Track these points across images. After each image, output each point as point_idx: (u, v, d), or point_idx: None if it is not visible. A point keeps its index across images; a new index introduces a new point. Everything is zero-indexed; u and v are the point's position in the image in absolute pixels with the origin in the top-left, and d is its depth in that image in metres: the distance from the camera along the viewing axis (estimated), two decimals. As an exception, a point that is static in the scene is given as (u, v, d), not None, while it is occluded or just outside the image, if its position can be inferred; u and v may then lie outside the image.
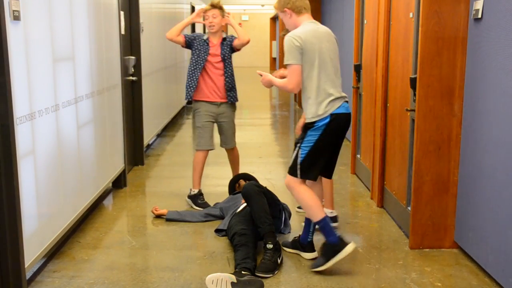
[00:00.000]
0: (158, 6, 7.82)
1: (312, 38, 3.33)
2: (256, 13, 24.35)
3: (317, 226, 3.45)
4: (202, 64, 4.67)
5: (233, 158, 5.04)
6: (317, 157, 3.37)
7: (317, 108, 3.32)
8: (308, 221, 3.59)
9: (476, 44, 3.36)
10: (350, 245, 3.29)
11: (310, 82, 3.34)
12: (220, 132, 4.88)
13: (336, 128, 3.36)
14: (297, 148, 3.41)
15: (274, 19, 23.09)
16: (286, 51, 3.35)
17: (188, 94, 4.75)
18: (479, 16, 3.28)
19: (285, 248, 3.73)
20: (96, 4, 4.48)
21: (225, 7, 4.92)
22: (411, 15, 4.00)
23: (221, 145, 4.96)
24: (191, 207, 4.69)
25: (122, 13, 5.40)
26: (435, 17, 3.50)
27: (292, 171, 3.43)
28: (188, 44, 4.76)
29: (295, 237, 3.75)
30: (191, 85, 4.72)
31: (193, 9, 12.69)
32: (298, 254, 3.65)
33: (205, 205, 4.66)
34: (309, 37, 3.32)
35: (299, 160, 3.38)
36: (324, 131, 3.32)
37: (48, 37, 3.41)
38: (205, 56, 4.66)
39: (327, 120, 3.31)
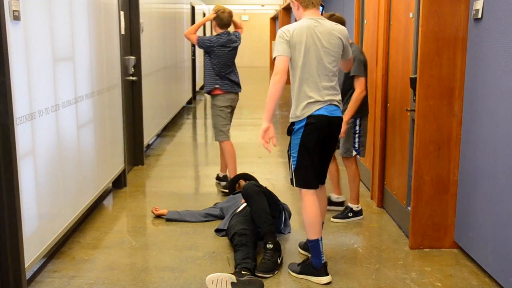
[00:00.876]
0: (158, 6, 7.81)
1: (302, 35, 3.19)
2: (256, 13, 24.34)
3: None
4: None
5: (221, 151, 5.28)
6: (306, 161, 3.25)
7: (295, 109, 3.25)
8: None
9: (476, 44, 3.36)
10: (326, 277, 3.25)
11: (294, 82, 3.26)
12: None
13: (315, 130, 3.21)
14: (289, 158, 3.35)
15: (274, 19, 23.07)
16: (275, 45, 3.27)
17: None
18: (479, 16, 3.28)
19: (299, 249, 3.73)
20: (96, 4, 4.48)
21: (225, 7, 5.01)
22: (411, 15, 4.00)
23: None
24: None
25: (122, 13, 5.40)
26: (435, 17, 3.50)
27: (291, 181, 3.36)
28: None
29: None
30: None
31: (193, 9, 12.68)
32: (307, 256, 3.54)
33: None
34: (299, 33, 3.20)
35: (293, 168, 3.30)
36: (303, 134, 3.21)
37: (48, 37, 3.41)
38: None
39: (304, 122, 3.21)
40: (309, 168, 3.28)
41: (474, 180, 3.40)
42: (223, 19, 5.05)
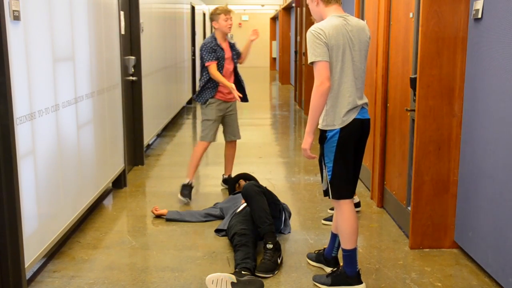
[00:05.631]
0: (158, 6, 7.81)
1: (338, 36, 2.93)
2: (256, 13, 24.32)
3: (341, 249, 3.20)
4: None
5: (231, 152, 5.25)
6: (342, 171, 3.05)
7: (333, 118, 3.00)
8: (333, 235, 3.37)
9: (476, 44, 3.36)
10: (362, 285, 3.12)
11: (331, 86, 2.97)
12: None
13: (350, 135, 3.01)
14: (324, 167, 3.11)
15: (274, 19, 23.08)
16: (309, 48, 2.92)
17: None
18: (479, 16, 3.28)
19: (309, 261, 3.55)
20: (96, 4, 4.48)
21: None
22: (411, 15, 4.00)
23: (228, 138, 5.18)
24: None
25: (122, 13, 5.40)
26: (435, 17, 3.50)
27: (325, 193, 3.15)
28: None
29: (319, 250, 3.56)
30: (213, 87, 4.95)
31: (193, 9, 12.68)
32: (322, 268, 3.46)
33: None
34: (334, 34, 2.91)
35: (328, 179, 3.08)
36: (338, 140, 3.00)
37: (48, 37, 3.41)
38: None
39: (338, 129, 3.00)
40: (346, 178, 3.09)
41: (474, 180, 3.40)
42: None
